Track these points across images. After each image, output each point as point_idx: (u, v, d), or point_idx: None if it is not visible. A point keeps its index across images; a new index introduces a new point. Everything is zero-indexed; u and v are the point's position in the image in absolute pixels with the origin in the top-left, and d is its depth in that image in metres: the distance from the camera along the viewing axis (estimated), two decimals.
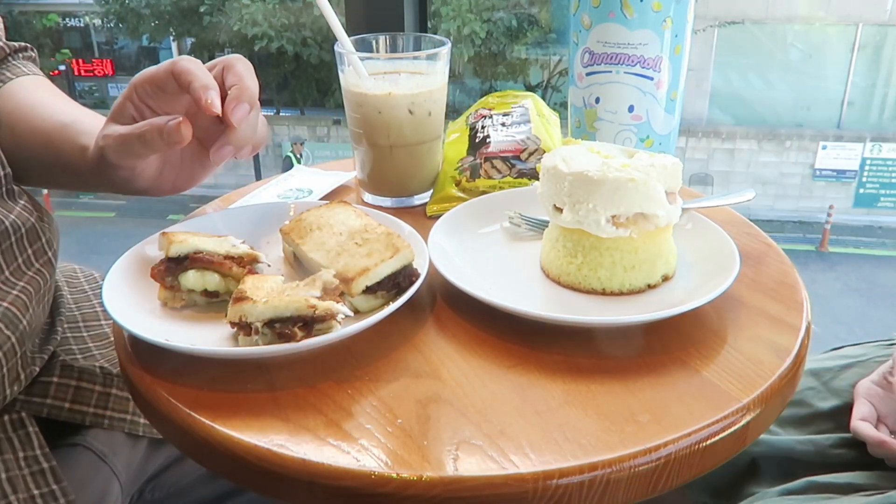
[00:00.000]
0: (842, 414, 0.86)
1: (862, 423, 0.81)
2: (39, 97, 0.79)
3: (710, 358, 0.57)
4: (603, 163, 0.63)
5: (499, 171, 0.83)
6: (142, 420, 0.80)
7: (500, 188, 0.82)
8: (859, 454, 0.81)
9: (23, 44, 0.86)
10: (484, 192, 0.82)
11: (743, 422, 0.51)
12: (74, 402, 0.75)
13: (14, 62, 0.83)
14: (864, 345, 0.95)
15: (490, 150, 0.86)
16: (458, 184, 0.84)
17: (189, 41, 11.55)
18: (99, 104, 12.34)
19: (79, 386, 0.76)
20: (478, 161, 0.85)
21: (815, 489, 0.78)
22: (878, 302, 8.00)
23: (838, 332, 6.44)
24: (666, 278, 0.66)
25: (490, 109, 0.96)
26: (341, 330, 0.56)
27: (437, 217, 0.76)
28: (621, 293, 0.65)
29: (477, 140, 0.89)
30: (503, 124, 0.91)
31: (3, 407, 0.68)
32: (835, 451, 0.83)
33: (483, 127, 0.91)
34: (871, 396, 0.83)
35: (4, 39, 0.84)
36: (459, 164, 0.86)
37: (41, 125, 0.75)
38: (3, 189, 0.71)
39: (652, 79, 0.77)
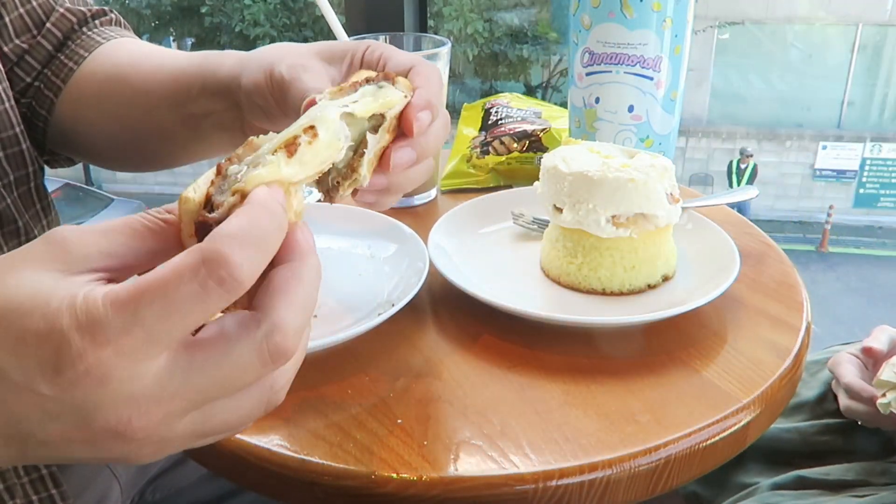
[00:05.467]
0: (826, 400, 0.87)
1: (857, 381, 0.80)
2: (148, 50, 0.68)
3: (710, 358, 0.57)
4: (603, 163, 0.63)
5: (507, 148, 0.91)
6: None
7: (508, 164, 0.90)
8: (843, 441, 0.82)
9: (99, 8, 0.73)
10: (494, 169, 0.90)
11: (743, 422, 0.51)
12: None
13: (91, 32, 0.70)
14: (852, 344, 0.96)
15: (500, 129, 0.93)
16: (468, 160, 0.92)
17: (189, 41, 11.55)
18: None
19: None
20: (488, 139, 0.93)
21: (804, 485, 0.79)
22: (878, 302, 8.00)
23: (838, 332, 6.43)
24: (666, 278, 0.66)
25: (507, 101, 1.02)
26: (342, 333, 0.56)
27: (450, 192, 0.89)
28: (621, 293, 0.65)
29: (490, 122, 0.97)
30: (516, 114, 0.97)
31: None
32: (820, 438, 0.84)
33: (497, 111, 0.98)
34: (852, 362, 0.84)
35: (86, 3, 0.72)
36: (471, 142, 0.94)
37: (161, 74, 0.64)
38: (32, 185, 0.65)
39: (652, 79, 0.77)
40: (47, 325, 0.30)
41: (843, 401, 0.82)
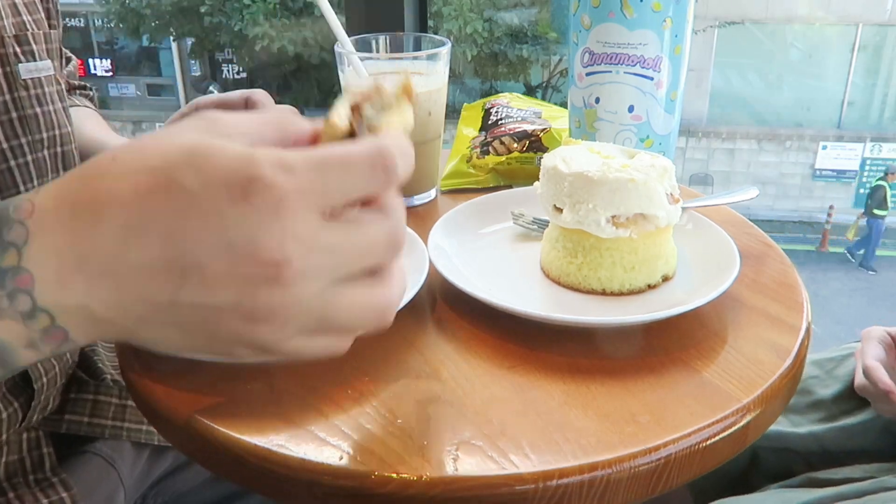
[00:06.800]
0: (843, 400, 0.86)
1: (876, 364, 0.78)
2: (81, 124, 0.85)
3: (710, 358, 0.57)
4: (603, 163, 0.63)
5: (507, 148, 0.91)
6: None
7: (508, 164, 0.90)
8: (861, 442, 0.81)
9: (83, 83, 0.95)
10: (494, 169, 0.90)
11: (743, 422, 0.51)
12: (93, 415, 0.76)
13: (71, 97, 0.90)
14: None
15: (501, 129, 0.93)
16: (468, 160, 0.92)
17: (189, 41, 11.54)
18: (100, 104, 12.33)
19: (96, 399, 0.76)
20: (488, 139, 0.92)
21: (813, 483, 0.78)
22: (878, 302, 8.01)
23: (838, 332, 6.44)
24: (666, 278, 0.66)
25: (507, 101, 1.02)
26: None
27: (450, 192, 0.88)
28: (621, 293, 0.65)
29: (490, 122, 0.97)
30: (517, 114, 0.97)
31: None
32: (835, 441, 0.83)
33: (497, 111, 0.98)
34: (883, 341, 0.82)
35: (75, 78, 0.94)
36: (471, 142, 0.94)
37: (80, 147, 0.81)
38: None
39: (652, 79, 0.77)
40: (240, 159, 0.34)
41: (859, 378, 0.80)
